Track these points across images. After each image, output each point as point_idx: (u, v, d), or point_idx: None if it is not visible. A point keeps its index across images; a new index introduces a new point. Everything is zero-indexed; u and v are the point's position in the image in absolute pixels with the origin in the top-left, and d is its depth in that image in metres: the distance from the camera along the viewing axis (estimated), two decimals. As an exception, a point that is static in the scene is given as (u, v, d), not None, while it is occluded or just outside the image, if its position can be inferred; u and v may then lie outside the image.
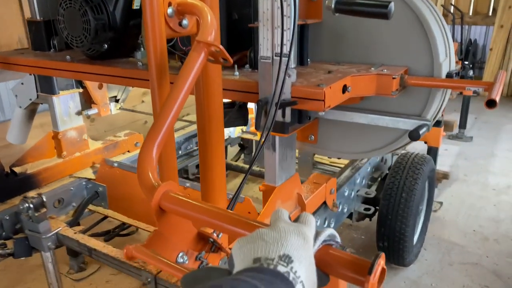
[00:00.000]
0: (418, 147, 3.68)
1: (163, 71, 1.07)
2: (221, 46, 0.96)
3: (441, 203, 3.38)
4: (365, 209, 2.44)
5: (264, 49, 1.34)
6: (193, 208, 0.80)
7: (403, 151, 2.71)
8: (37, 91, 2.40)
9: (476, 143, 4.67)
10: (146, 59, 1.80)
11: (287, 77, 1.32)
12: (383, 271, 0.62)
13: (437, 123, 2.86)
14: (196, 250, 0.93)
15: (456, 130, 4.72)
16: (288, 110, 1.38)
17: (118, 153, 2.71)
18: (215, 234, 0.94)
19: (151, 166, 0.88)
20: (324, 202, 2.08)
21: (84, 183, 2.39)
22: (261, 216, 1.65)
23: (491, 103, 1.23)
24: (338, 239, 0.69)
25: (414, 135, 1.43)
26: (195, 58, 0.96)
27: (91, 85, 2.41)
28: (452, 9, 5.10)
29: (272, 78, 1.35)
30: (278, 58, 1.31)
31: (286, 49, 1.30)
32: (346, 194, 2.31)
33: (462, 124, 4.60)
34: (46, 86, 2.32)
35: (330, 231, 0.68)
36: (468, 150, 4.48)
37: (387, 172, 2.73)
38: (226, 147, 3.24)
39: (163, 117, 0.93)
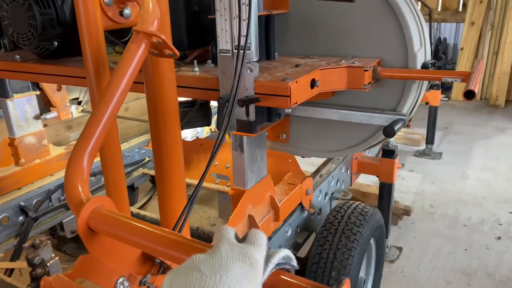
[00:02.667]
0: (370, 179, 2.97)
1: (101, 68, 0.94)
2: (163, 37, 0.83)
3: (400, 249, 2.69)
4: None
5: (223, 42, 1.22)
6: (127, 228, 0.68)
7: (341, 200, 2.12)
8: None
9: (445, 161, 3.99)
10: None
11: (248, 72, 1.20)
12: (345, 302, 0.51)
13: (390, 153, 2.19)
14: (141, 274, 0.80)
15: (423, 145, 4.13)
16: (252, 108, 1.26)
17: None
18: (162, 253, 0.82)
19: (81, 178, 0.75)
20: (300, 204, 1.97)
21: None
22: (229, 223, 1.53)
23: (469, 94, 1.14)
24: (294, 262, 0.58)
25: (389, 131, 1.33)
26: (134, 51, 0.83)
27: (49, 87, 2.24)
28: (419, 4, 4.59)
29: (233, 73, 1.23)
30: (238, 51, 1.19)
31: (248, 41, 1.18)
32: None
33: (430, 139, 4.00)
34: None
35: (285, 252, 0.57)
36: (436, 171, 3.78)
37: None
38: (132, 186, 2.77)
39: (96, 119, 0.79)
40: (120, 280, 0.77)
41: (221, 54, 1.24)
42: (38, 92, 2.24)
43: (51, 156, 2.39)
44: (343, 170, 2.34)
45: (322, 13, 1.53)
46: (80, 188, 0.74)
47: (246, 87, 1.22)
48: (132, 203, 2.87)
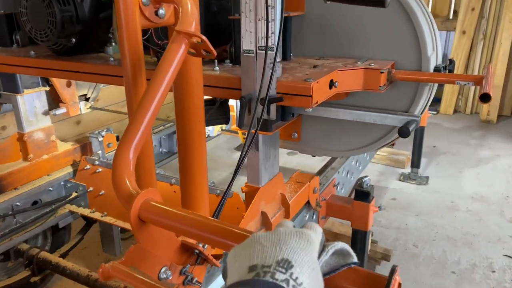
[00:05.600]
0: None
1: (139, 67, 0.97)
2: (203, 37, 0.86)
3: None
4: None
5: (247, 42, 1.25)
6: (178, 219, 0.71)
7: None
8: (-1, 90, 2.25)
9: (432, 187, 3.54)
10: (119, 54, 1.69)
11: (271, 72, 1.24)
12: (399, 287, 0.55)
13: (365, 196, 1.83)
14: (180, 264, 0.83)
15: (408, 167, 3.73)
16: (273, 107, 1.30)
17: (89, 155, 2.56)
18: (200, 245, 0.85)
19: (128, 172, 0.78)
20: (308, 202, 2.02)
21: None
22: (244, 219, 1.57)
23: (485, 98, 1.19)
24: (354, 259, 0.60)
25: (404, 132, 1.37)
26: (175, 51, 0.86)
27: (59, 83, 2.26)
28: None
29: (256, 73, 1.27)
30: (262, 51, 1.23)
31: (270, 42, 1.22)
32: None
33: (415, 163, 3.60)
34: (9, 84, 2.15)
35: (341, 244, 0.60)
36: (421, 199, 3.34)
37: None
38: (56, 226, 2.36)
39: (140, 116, 0.83)
40: (163, 269, 0.80)
41: (244, 54, 1.27)
42: (48, 88, 2.25)
43: (58, 152, 2.40)
44: (307, 217, 1.98)
45: (337, 15, 1.57)
46: (127, 182, 0.77)
47: (270, 87, 1.25)
48: (59, 245, 2.47)
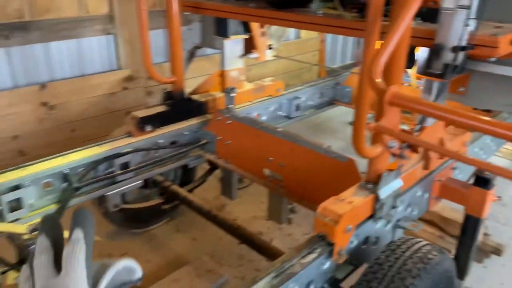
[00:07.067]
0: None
1: (379, 17, 1.39)
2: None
3: None
4: None
5: (448, 1, 1.59)
6: (419, 103, 1.13)
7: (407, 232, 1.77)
8: (201, 37, 2.86)
9: None
10: (321, 9, 2.14)
11: (465, 27, 1.57)
12: None
13: (485, 182, 1.80)
14: (400, 142, 1.26)
15: None
16: (461, 55, 1.63)
17: (263, 96, 3.11)
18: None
19: (380, 73, 1.21)
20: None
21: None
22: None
23: None
24: (139, 274, 0.65)
25: None
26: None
27: (256, 32, 2.81)
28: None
29: (452, 26, 1.60)
30: (460, 9, 1.55)
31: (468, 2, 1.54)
32: None
33: None
34: (222, 30, 2.76)
35: (123, 263, 0.62)
36: None
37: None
38: (186, 166, 2.68)
39: (387, 43, 1.25)
40: (391, 141, 1.23)
41: (443, 11, 1.61)
42: (248, 36, 2.82)
43: (243, 89, 3.00)
44: (419, 193, 1.92)
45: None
46: (379, 79, 1.20)
47: (461, 38, 1.58)
48: (186, 183, 2.87)
